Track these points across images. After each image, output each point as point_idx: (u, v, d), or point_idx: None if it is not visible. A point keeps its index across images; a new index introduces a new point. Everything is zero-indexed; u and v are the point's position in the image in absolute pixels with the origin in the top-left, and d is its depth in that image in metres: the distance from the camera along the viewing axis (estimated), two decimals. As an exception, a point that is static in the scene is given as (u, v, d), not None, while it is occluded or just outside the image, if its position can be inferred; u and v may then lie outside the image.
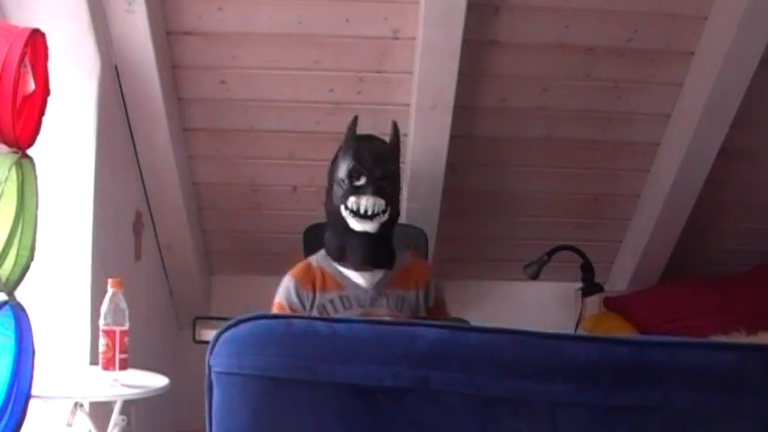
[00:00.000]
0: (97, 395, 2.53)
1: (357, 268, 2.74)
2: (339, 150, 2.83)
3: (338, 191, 2.73)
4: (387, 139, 2.88)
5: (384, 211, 2.72)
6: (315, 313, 2.67)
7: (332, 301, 2.70)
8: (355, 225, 2.70)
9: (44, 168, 2.40)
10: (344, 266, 2.74)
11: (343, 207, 2.71)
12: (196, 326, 3.71)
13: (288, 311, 2.68)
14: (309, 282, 2.72)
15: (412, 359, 1.44)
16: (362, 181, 2.71)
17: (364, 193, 2.69)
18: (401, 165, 3.55)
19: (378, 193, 2.70)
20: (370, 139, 2.84)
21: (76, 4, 2.90)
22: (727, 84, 3.36)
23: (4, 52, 2.11)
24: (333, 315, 2.66)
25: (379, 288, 2.74)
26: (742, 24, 3.18)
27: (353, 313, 2.67)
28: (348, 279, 2.73)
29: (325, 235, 2.81)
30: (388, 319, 2.58)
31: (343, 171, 2.73)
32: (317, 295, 2.70)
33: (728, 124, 3.50)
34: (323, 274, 2.74)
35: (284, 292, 2.73)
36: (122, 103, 3.28)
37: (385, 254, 2.77)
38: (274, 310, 2.72)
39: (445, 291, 2.94)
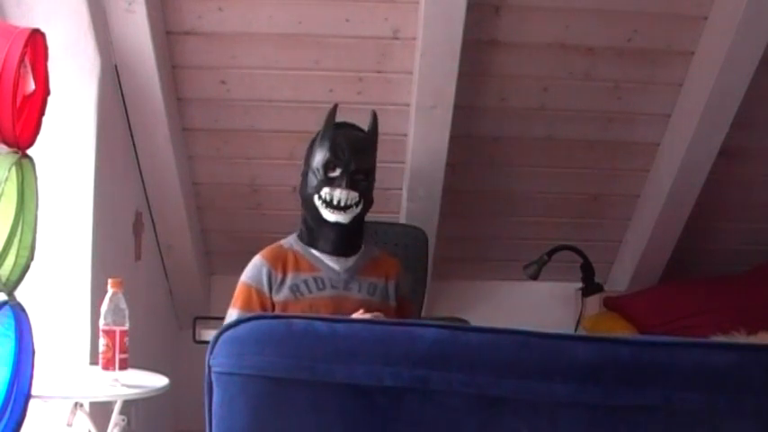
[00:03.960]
0: (97, 395, 2.52)
1: (328, 254, 2.74)
2: (316, 136, 2.80)
3: (312, 180, 2.73)
4: (365, 127, 2.84)
5: (357, 204, 2.71)
6: (285, 294, 2.66)
7: (306, 282, 2.69)
8: (328, 216, 2.70)
9: (44, 168, 2.39)
10: (316, 251, 2.75)
11: (316, 197, 2.71)
12: (196, 326, 3.71)
13: (253, 292, 2.67)
14: (280, 263, 2.71)
15: (412, 359, 1.44)
16: (337, 173, 2.70)
17: (338, 186, 2.68)
18: (402, 164, 3.57)
19: (351, 186, 2.69)
20: (347, 128, 2.81)
21: (76, 4, 2.90)
22: (727, 84, 3.36)
23: (4, 52, 2.10)
24: (306, 295, 2.66)
25: (351, 273, 2.74)
26: (742, 24, 3.17)
27: (326, 294, 2.67)
28: (322, 262, 2.73)
29: (301, 219, 2.81)
30: (388, 319, 2.58)
31: (318, 160, 2.71)
32: (290, 275, 2.69)
33: (728, 124, 3.50)
34: (296, 255, 2.74)
35: (253, 272, 2.71)
36: (122, 103, 3.28)
37: (354, 243, 2.78)
38: (238, 289, 2.71)
39: (411, 299, 2.93)
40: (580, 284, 3.87)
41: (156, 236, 3.75)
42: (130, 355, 2.52)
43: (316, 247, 2.73)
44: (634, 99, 3.57)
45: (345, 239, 2.73)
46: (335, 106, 2.80)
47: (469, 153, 3.70)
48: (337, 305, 2.65)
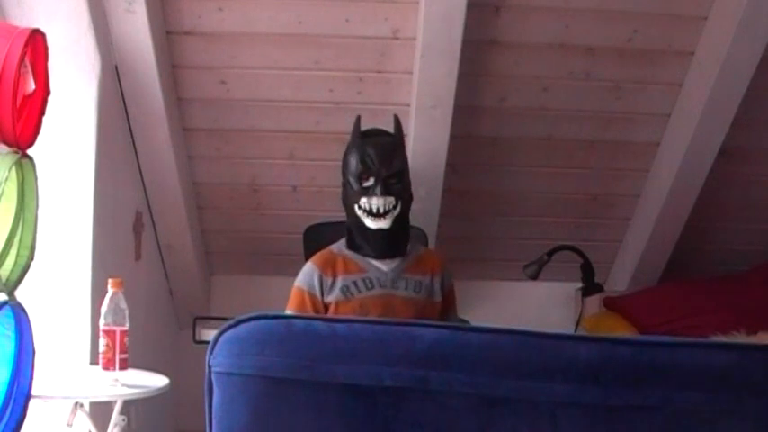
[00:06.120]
0: (97, 395, 2.53)
1: (375, 258, 2.85)
2: (348, 148, 2.91)
3: (349, 190, 2.84)
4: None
5: (395, 207, 2.81)
6: (336, 295, 2.78)
7: (355, 283, 2.80)
8: (370, 224, 2.80)
9: (44, 168, 2.40)
10: (363, 255, 2.86)
11: (356, 207, 2.82)
12: (196, 326, 3.70)
13: (306, 295, 2.80)
14: (330, 267, 2.83)
15: (412, 359, 1.44)
16: (371, 182, 2.81)
17: (374, 194, 2.79)
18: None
19: (386, 192, 2.79)
20: (374, 135, 2.92)
21: (76, 4, 2.90)
22: (727, 84, 3.36)
23: (4, 52, 2.10)
24: (356, 295, 2.79)
25: (398, 272, 2.84)
26: (742, 24, 3.17)
27: (375, 293, 2.79)
28: (369, 263, 2.84)
29: (347, 225, 2.92)
30: (387, 319, 2.59)
31: (351, 172, 2.83)
32: (340, 278, 2.81)
33: (728, 124, 3.50)
34: (344, 259, 2.85)
35: (305, 277, 2.83)
36: (122, 104, 3.28)
37: (400, 244, 2.88)
38: (292, 294, 2.83)
39: (454, 281, 3.01)
40: (580, 284, 3.87)
41: (156, 236, 3.75)
42: (130, 355, 2.53)
43: (362, 252, 2.85)
44: (634, 99, 3.57)
45: (390, 242, 2.84)
46: (359, 118, 2.92)
47: (469, 153, 3.70)
48: (386, 303, 2.79)
